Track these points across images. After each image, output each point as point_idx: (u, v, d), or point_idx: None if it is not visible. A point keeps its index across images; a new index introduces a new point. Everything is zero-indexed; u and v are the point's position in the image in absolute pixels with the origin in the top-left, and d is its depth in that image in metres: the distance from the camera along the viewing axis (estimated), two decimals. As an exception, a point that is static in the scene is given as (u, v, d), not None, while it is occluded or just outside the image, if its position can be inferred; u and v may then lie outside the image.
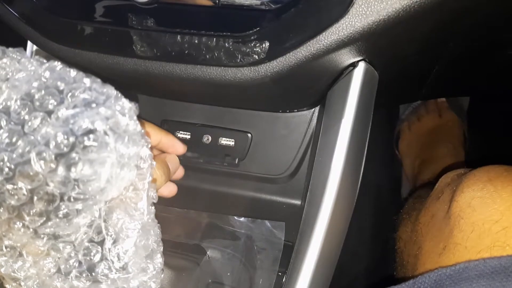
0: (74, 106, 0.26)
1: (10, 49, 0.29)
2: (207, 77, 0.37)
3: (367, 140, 0.50)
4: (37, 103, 0.26)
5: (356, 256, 0.72)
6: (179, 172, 0.41)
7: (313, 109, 0.47)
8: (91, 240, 0.29)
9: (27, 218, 0.26)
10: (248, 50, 0.36)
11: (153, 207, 0.32)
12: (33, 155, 0.25)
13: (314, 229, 0.40)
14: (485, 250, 0.30)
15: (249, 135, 0.48)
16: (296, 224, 0.45)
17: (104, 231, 0.29)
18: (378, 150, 0.79)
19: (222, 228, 0.47)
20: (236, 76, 0.37)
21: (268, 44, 0.36)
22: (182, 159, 0.50)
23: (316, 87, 0.43)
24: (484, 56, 0.47)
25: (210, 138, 0.49)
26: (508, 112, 0.80)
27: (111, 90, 0.28)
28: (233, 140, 0.48)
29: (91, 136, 0.26)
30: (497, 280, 0.28)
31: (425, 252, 0.36)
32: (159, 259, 0.32)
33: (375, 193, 0.74)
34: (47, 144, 0.25)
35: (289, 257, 0.43)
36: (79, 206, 0.27)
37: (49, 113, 0.26)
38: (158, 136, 0.38)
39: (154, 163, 0.31)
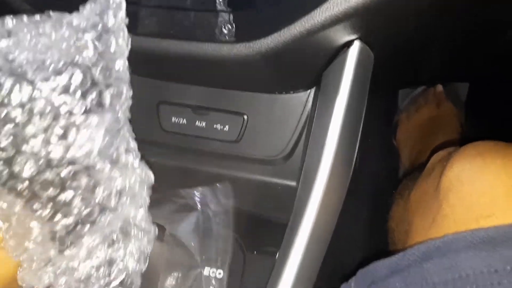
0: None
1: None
2: (202, 54, 0.38)
3: (362, 121, 0.50)
4: None
5: (352, 244, 0.72)
6: None
7: (309, 91, 0.47)
8: None
9: None
10: (243, 26, 0.36)
11: None
12: None
13: (307, 206, 0.41)
14: (472, 221, 0.30)
15: (245, 117, 0.48)
16: (292, 205, 0.45)
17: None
18: (376, 140, 0.79)
19: (175, 202, 0.47)
20: (231, 52, 0.37)
21: (262, 20, 0.36)
22: (179, 141, 0.51)
23: (311, 67, 0.43)
24: (482, 36, 0.47)
25: (205, 120, 0.49)
26: (505, 103, 0.81)
27: None
28: (228, 122, 0.49)
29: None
30: (484, 250, 0.28)
31: (415, 228, 0.36)
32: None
33: (372, 182, 0.74)
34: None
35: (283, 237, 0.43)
36: None
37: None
38: None
39: None
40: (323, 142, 0.42)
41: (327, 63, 0.43)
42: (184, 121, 0.49)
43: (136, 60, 0.37)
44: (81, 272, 0.31)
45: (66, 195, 0.28)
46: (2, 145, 0.26)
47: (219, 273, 0.42)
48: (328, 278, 0.46)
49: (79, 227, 0.29)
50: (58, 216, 0.28)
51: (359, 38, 0.38)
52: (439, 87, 0.83)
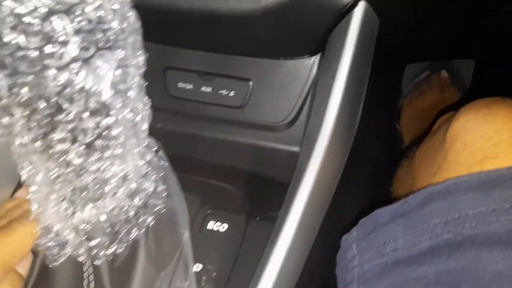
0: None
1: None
2: (210, 8, 0.38)
3: (365, 89, 0.51)
4: None
5: (353, 226, 0.72)
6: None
7: (314, 57, 0.48)
8: None
9: None
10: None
11: None
12: None
13: (307, 167, 0.41)
14: (476, 164, 0.30)
15: (250, 82, 0.49)
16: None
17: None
18: (379, 124, 0.80)
19: None
20: (237, 7, 0.38)
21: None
22: (185, 107, 0.51)
23: (316, 28, 0.43)
24: (487, 9, 0.47)
25: (211, 85, 0.50)
26: (509, 89, 0.81)
27: None
28: (234, 87, 0.49)
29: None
30: (483, 191, 0.28)
31: (419, 180, 0.37)
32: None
33: (374, 166, 0.75)
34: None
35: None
36: None
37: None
38: None
39: None
40: (326, 105, 0.43)
41: (332, 27, 0.44)
42: (191, 86, 0.50)
43: (145, 21, 0.38)
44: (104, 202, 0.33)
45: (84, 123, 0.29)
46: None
47: (223, 227, 0.42)
48: (330, 255, 0.47)
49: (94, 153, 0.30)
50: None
51: (364, -1, 0.39)
52: (444, 73, 0.83)
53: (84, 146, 0.31)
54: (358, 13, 0.42)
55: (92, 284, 0.35)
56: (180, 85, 0.51)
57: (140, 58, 0.32)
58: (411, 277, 0.28)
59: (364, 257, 0.32)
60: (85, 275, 0.35)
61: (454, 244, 0.27)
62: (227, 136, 0.51)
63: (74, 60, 0.27)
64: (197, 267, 0.42)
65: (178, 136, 0.53)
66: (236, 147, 0.51)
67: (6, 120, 0.29)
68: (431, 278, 0.27)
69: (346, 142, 0.49)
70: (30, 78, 0.27)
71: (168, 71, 0.51)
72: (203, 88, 0.50)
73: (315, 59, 0.48)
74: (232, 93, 0.49)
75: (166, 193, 0.39)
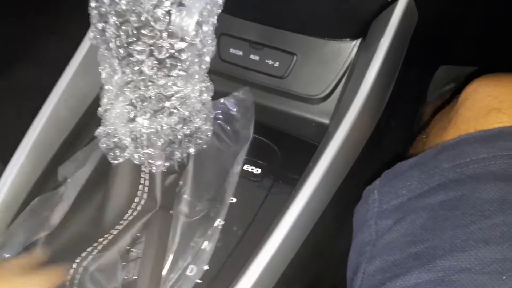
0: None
1: None
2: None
3: (395, 79, 0.56)
4: None
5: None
6: None
7: (355, 41, 0.54)
8: None
9: None
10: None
11: None
12: None
13: (334, 137, 0.47)
14: (482, 117, 0.35)
15: (295, 56, 0.55)
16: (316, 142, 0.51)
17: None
18: (399, 127, 0.84)
19: None
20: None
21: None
22: (233, 71, 0.57)
23: (364, 13, 0.49)
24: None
25: (259, 54, 0.56)
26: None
27: None
28: (279, 58, 0.55)
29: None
30: (488, 142, 0.33)
31: (430, 139, 0.42)
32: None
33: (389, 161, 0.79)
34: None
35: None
36: None
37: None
38: None
39: None
40: (360, 84, 0.49)
41: (376, 14, 0.50)
42: (241, 53, 0.56)
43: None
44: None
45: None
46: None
47: (257, 170, 0.48)
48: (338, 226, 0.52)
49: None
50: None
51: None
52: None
53: (157, 61, 0.36)
54: (401, 4, 0.48)
55: (146, 189, 0.40)
56: (231, 50, 0.57)
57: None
58: (419, 207, 0.33)
59: (384, 199, 0.37)
60: (142, 180, 0.40)
61: (458, 180, 0.32)
62: (267, 101, 0.57)
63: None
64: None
65: (222, 96, 0.58)
66: (273, 112, 0.56)
67: (101, 25, 0.35)
68: (435, 205, 0.32)
69: (371, 121, 0.54)
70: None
71: (222, 36, 0.57)
72: (252, 56, 0.56)
73: (355, 43, 0.54)
74: (277, 64, 0.55)
75: (210, 133, 0.45)
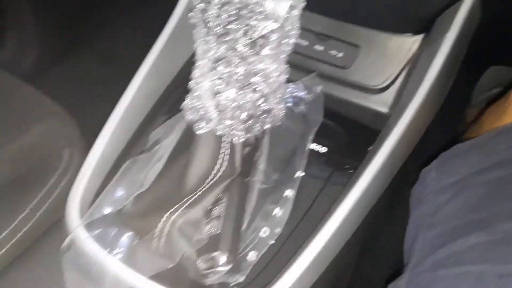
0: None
1: None
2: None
3: (454, 76, 0.59)
4: None
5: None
6: None
7: (417, 36, 0.57)
8: None
9: None
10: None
11: None
12: None
13: (397, 123, 0.50)
14: None
15: (358, 48, 0.58)
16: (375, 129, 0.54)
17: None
18: (444, 124, 0.86)
19: None
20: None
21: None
22: (297, 60, 0.61)
23: (431, 8, 0.52)
24: None
25: (324, 45, 0.59)
26: None
27: None
28: (343, 50, 0.59)
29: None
30: None
31: (484, 128, 0.45)
32: None
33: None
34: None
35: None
36: None
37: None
38: None
39: None
40: (423, 77, 0.52)
41: (442, 11, 0.53)
42: (307, 43, 0.60)
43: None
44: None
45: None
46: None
47: (325, 148, 0.52)
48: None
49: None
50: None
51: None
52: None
53: (250, 39, 0.41)
54: (467, 3, 0.51)
55: (226, 157, 0.44)
56: (298, 41, 0.61)
57: None
58: (477, 182, 0.37)
59: (442, 177, 0.41)
60: (223, 149, 0.45)
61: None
62: (328, 89, 0.60)
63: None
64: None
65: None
66: (334, 99, 0.60)
67: (201, 5, 0.40)
68: (494, 180, 0.36)
69: (430, 114, 0.57)
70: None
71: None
72: (316, 46, 0.60)
73: (417, 38, 0.57)
74: (340, 54, 0.59)
75: (283, 112, 0.49)
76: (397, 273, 0.38)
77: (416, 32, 0.57)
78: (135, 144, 0.51)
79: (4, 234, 0.56)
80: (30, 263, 0.59)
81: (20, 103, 0.64)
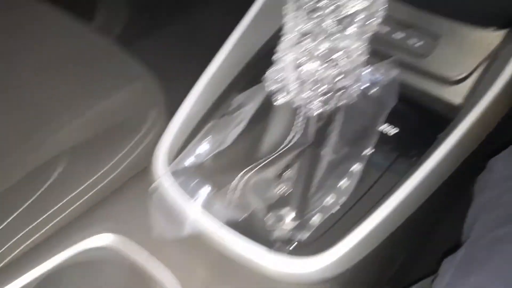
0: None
1: None
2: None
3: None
4: None
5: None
6: None
7: (500, 31, 0.57)
8: None
9: None
10: None
11: None
12: None
13: (471, 113, 0.51)
14: None
15: (439, 38, 0.59)
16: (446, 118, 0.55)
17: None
18: None
19: None
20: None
21: None
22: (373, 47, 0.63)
23: None
24: None
25: (405, 32, 0.61)
26: None
27: None
28: (424, 38, 0.60)
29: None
30: None
31: None
32: None
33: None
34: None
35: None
36: None
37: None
38: None
39: None
40: (500, 72, 0.52)
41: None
42: (388, 29, 0.62)
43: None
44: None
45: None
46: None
47: (395, 130, 0.54)
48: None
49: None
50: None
51: None
52: None
53: (338, 17, 0.44)
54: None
55: (301, 127, 0.48)
56: (379, 26, 0.63)
57: None
58: None
59: (510, 165, 0.42)
60: (297, 120, 0.48)
61: None
62: (404, 77, 0.62)
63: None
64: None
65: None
66: (409, 87, 0.61)
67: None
68: None
69: (503, 109, 0.57)
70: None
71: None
72: (397, 33, 0.61)
73: (499, 33, 0.57)
74: (420, 43, 0.60)
75: (359, 91, 0.52)
76: (453, 249, 0.40)
77: (499, 27, 0.57)
78: (218, 108, 0.56)
79: (95, 177, 0.64)
80: (118, 203, 0.66)
81: (112, 65, 0.70)
